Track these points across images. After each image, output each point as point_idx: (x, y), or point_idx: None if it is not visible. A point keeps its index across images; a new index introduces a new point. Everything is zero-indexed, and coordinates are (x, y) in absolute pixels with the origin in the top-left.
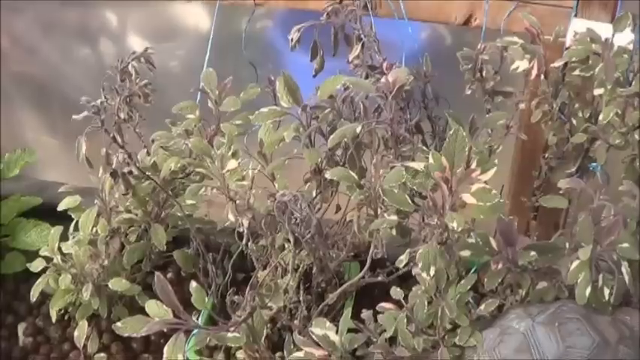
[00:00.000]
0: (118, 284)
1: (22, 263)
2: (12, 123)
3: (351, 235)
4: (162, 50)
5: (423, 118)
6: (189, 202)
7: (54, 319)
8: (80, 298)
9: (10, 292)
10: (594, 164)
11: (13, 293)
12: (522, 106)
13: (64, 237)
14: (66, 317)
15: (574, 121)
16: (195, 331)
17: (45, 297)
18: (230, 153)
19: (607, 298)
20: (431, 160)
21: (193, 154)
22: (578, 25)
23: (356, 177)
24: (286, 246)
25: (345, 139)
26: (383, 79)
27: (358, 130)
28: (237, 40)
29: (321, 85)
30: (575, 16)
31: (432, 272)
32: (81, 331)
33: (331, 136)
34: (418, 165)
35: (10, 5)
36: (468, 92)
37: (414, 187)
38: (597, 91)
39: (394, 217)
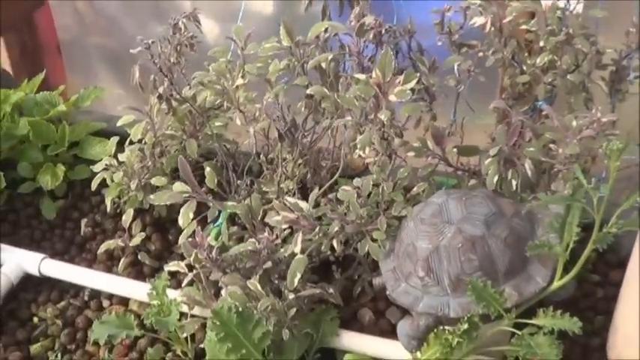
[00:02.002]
0: (159, 181)
1: (87, 171)
2: (94, 81)
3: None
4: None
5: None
6: (217, 124)
7: (108, 209)
8: (129, 191)
9: (77, 194)
10: (540, 102)
11: (80, 195)
12: (481, 54)
13: (120, 150)
14: (118, 211)
15: (524, 67)
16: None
17: (103, 199)
18: (240, 75)
19: (514, 188)
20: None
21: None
22: None
23: (327, 92)
24: (287, 157)
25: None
26: (353, 22)
27: (330, 57)
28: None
29: (311, 28)
30: None
31: (367, 151)
32: (127, 216)
33: (311, 61)
34: (361, 76)
35: None
36: (439, 44)
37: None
38: (541, 43)
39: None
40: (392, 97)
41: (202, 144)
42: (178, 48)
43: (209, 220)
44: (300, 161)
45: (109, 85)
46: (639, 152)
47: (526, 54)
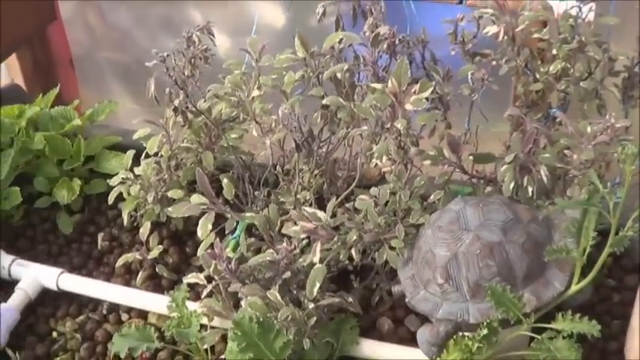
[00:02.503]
0: (175, 194)
1: (103, 185)
2: (107, 95)
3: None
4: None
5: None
6: (233, 136)
7: (125, 223)
8: (145, 204)
9: (94, 208)
10: (553, 109)
11: (96, 209)
12: (494, 63)
13: (136, 163)
14: (135, 224)
15: (537, 75)
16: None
17: (119, 213)
18: (256, 86)
19: (530, 194)
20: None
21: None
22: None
23: (343, 102)
24: (304, 168)
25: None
26: (367, 32)
27: (345, 67)
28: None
29: (326, 39)
30: None
31: (384, 160)
32: (144, 229)
33: (326, 71)
34: (377, 85)
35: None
36: (452, 53)
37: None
38: (554, 51)
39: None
40: (408, 106)
41: (218, 156)
42: (192, 61)
43: (227, 232)
44: (316, 172)
45: (123, 99)
46: None
47: (539, 62)
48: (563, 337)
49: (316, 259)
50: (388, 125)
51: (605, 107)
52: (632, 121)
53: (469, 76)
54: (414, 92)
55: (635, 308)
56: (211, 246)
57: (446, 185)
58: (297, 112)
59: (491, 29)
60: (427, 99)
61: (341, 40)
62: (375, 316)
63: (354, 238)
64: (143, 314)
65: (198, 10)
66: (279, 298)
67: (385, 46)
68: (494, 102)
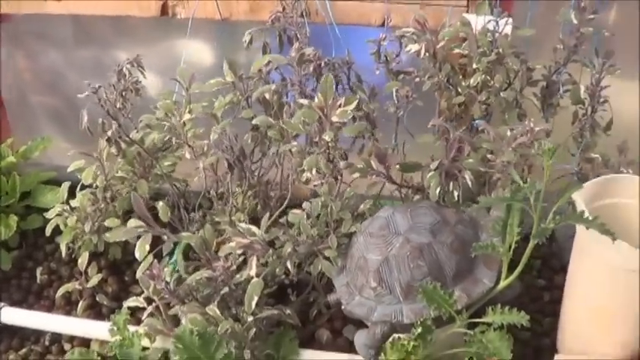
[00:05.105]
0: (112, 222)
1: (40, 220)
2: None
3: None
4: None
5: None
6: (166, 163)
7: (63, 255)
8: (83, 235)
9: (31, 244)
10: (476, 121)
11: (33, 245)
12: (417, 79)
13: (72, 197)
14: (73, 257)
15: (459, 89)
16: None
17: (57, 247)
18: (187, 111)
19: (456, 199)
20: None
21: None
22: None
23: (272, 121)
24: (237, 190)
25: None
26: (293, 53)
27: (272, 87)
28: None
29: (253, 62)
30: (467, 12)
31: (313, 172)
32: (83, 259)
33: (255, 92)
34: (304, 101)
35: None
36: (377, 72)
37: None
38: (474, 64)
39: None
40: (334, 118)
41: (152, 185)
42: (124, 93)
43: (164, 254)
44: (249, 193)
45: (55, 139)
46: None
47: (460, 77)
48: (495, 330)
49: (253, 272)
50: (317, 139)
51: (526, 116)
52: (553, 129)
53: (394, 93)
54: (340, 105)
55: (563, 304)
56: (150, 268)
57: (377, 199)
58: (229, 132)
59: (413, 47)
60: (354, 118)
61: (268, 62)
62: (314, 329)
63: (289, 250)
64: (86, 343)
65: (127, 52)
66: (218, 312)
67: (311, 68)
68: (421, 118)
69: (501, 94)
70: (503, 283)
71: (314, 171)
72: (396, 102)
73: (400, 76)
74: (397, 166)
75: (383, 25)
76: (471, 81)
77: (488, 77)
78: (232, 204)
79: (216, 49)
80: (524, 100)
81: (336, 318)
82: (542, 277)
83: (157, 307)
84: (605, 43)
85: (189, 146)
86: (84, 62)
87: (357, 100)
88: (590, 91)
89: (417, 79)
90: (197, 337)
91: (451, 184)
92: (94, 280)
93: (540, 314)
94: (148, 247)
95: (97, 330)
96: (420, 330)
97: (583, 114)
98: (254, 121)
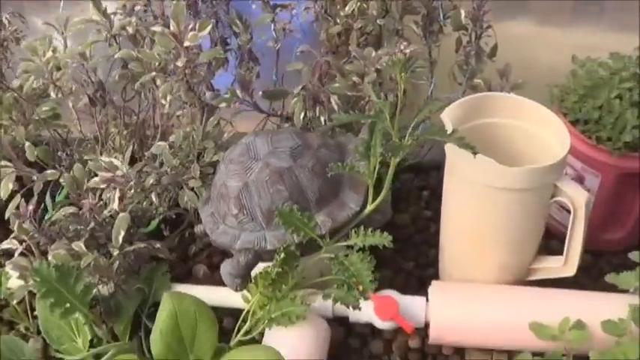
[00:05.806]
0: None
1: None
2: None
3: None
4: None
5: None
6: (44, 109)
7: None
8: None
9: None
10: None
11: None
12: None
13: None
14: None
15: (337, 20)
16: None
17: None
18: (50, 50)
19: (323, 123)
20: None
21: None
22: None
23: (133, 54)
24: (113, 131)
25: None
26: None
27: (133, 20)
28: None
29: None
30: None
31: (168, 99)
32: None
33: (115, 25)
34: (157, 28)
35: None
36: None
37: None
38: None
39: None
40: (186, 43)
41: (32, 132)
42: (5, 43)
43: (35, 194)
44: (125, 133)
45: None
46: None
47: (338, 7)
48: (357, 252)
49: (115, 205)
50: (171, 67)
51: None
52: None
53: (272, 27)
54: (193, 30)
55: (440, 228)
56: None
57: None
58: (87, 65)
59: None
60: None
61: None
62: (192, 265)
63: (151, 182)
64: None
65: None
66: (83, 248)
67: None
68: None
69: (378, 21)
70: (370, 207)
71: (168, 98)
72: (274, 35)
73: (277, 9)
74: (260, 93)
75: None
76: (346, 8)
77: (365, 5)
78: (110, 145)
79: None
80: (406, 28)
81: (215, 254)
82: (429, 209)
83: (29, 247)
84: None
85: (57, 86)
86: None
87: (210, 25)
88: (471, 15)
89: (294, 12)
90: (54, 270)
91: (317, 109)
92: None
93: (426, 245)
94: (11, 186)
95: None
96: (282, 255)
97: (468, 41)
98: (116, 55)
